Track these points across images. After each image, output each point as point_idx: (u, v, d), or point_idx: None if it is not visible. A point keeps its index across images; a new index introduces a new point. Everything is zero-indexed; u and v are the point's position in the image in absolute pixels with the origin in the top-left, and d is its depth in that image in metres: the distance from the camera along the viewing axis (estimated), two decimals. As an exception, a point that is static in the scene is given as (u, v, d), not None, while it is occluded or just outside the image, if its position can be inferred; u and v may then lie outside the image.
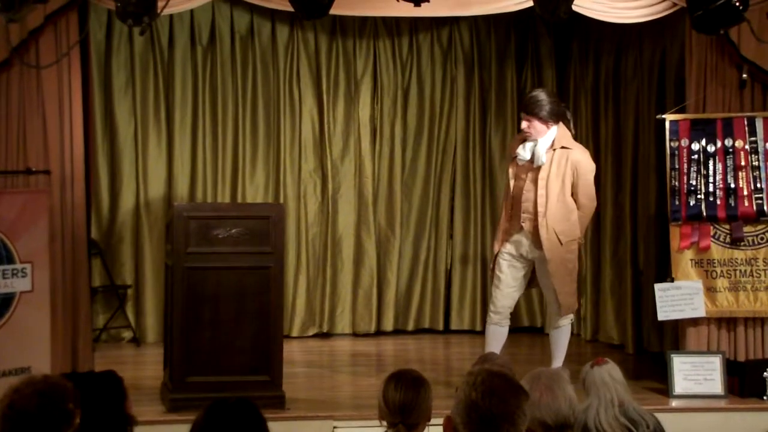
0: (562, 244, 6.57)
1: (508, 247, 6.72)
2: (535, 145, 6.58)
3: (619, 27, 7.88)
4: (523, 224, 6.66)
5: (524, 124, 6.63)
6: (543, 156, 6.55)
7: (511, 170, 6.80)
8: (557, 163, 6.56)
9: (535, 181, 6.59)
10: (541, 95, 6.69)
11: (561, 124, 6.67)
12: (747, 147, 6.84)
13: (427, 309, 9.53)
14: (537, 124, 6.57)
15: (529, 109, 6.61)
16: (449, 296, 9.54)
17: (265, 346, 6.28)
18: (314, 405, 6.55)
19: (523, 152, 6.65)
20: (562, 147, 6.58)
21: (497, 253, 6.81)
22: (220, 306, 6.26)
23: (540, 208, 6.55)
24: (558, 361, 6.78)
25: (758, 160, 6.85)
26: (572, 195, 6.61)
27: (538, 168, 6.58)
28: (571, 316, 6.83)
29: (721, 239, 6.88)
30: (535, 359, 8.20)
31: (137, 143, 9.06)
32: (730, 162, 6.86)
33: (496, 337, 6.82)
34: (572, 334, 9.28)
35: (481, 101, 9.56)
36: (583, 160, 6.63)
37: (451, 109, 9.55)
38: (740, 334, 6.90)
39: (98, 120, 8.83)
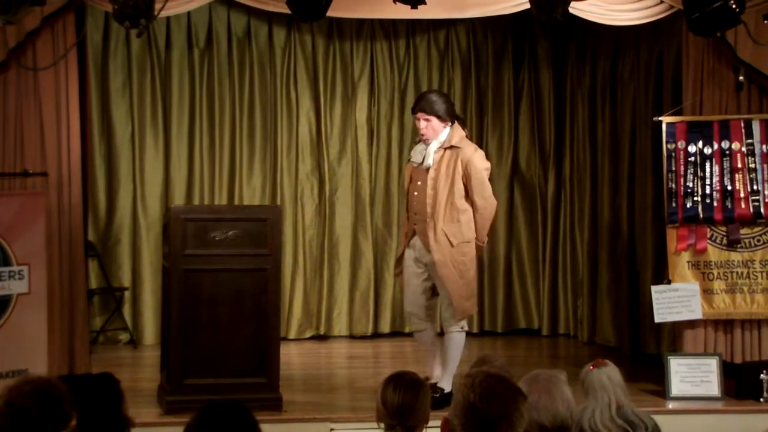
0: (453, 246, 6.38)
1: (408, 252, 6.60)
2: (427, 147, 6.47)
3: (616, 29, 7.88)
4: (415, 226, 6.54)
5: (422, 124, 6.45)
6: (431, 157, 6.43)
7: (407, 173, 6.72)
8: (446, 162, 6.39)
9: (426, 182, 6.46)
10: (436, 95, 6.61)
11: (456, 124, 6.52)
12: (744, 149, 6.85)
13: (424, 311, 9.51)
14: (435, 123, 6.42)
15: (427, 109, 6.44)
16: (446, 298, 9.52)
17: (262, 349, 6.26)
18: (311, 407, 6.54)
19: (416, 155, 6.57)
20: (452, 146, 6.41)
21: (399, 257, 6.77)
22: (217, 308, 6.25)
23: (428, 209, 6.40)
24: (448, 370, 6.53)
25: (755, 163, 6.85)
26: (467, 195, 6.43)
27: (429, 169, 6.45)
28: (464, 323, 6.58)
29: (717, 241, 6.89)
30: (532, 361, 8.21)
31: (134, 145, 9.06)
32: (726, 164, 6.86)
33: (424, 344, 6.78)
34: (569, 336, 9.43)
35: (478, 103, 9.55)
36: (473, 158, 6.40)
37: (448, 111, 9.55)
38: (737, 336, 6.90)
39: (95, 122, 8.82)
